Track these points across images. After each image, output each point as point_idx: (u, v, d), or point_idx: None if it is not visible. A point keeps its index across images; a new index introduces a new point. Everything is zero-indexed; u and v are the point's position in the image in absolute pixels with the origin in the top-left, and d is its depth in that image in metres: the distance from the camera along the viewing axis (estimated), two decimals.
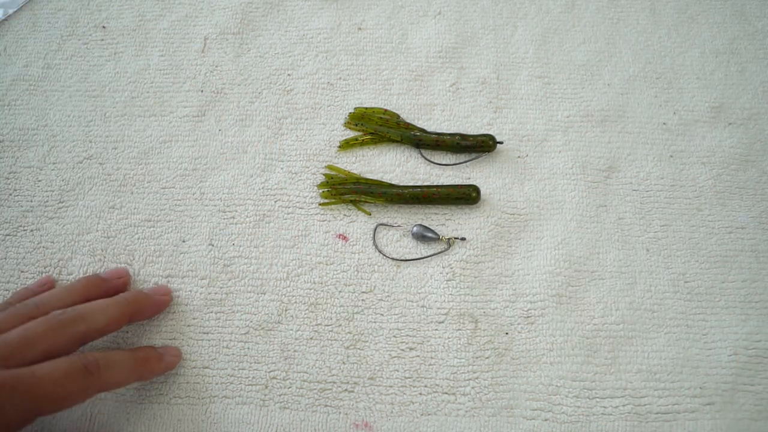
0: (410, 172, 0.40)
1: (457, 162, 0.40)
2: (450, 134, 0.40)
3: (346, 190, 0.38)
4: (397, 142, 0.40)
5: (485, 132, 0.41)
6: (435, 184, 0.39)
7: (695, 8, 0.47)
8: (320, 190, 0.39)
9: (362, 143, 0.40)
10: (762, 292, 0.36)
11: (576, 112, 0.42)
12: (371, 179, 0.39)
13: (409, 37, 0.46)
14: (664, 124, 0.42)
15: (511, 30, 0.46)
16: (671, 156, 0.41)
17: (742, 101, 0.43)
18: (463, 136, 0.40)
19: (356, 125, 0.41)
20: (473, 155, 0.40)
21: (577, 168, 0.40)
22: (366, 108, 0.42)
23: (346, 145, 0.40)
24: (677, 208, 0.39)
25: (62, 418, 0.32)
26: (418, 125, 0.42)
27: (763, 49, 0.45)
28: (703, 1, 0.48)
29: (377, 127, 0.40)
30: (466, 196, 0.37)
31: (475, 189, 0.38)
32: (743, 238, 0.38)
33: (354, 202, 0.38)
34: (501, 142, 0.40)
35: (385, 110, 0.41)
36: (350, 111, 0.42)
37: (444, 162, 0.40)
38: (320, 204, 0.38)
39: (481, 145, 0.40)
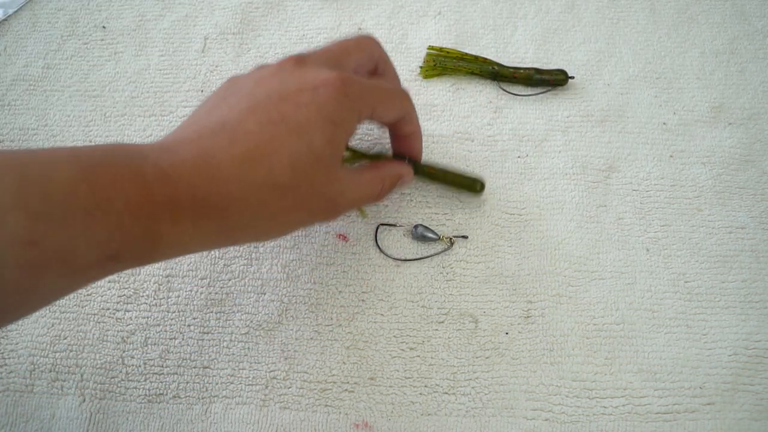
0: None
1: (533, 93, 0.43)
2: (525, 68, 0.43)
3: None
4: (476, 75, 0.43)
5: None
6: (442, 166, 0.38)
7: (695, 8, 0.47)
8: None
9: (444, 68, 0.43)
10: (762, 292, 0.36)
11: (576, 112, 0.42)
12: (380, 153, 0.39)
13: (409, 37, 0.46)
14: (664, 124, 0.42)
15: (511, 30, 0.46)
16: (671, 156, 0.41)
17: (742, 101, 0.43)
18: (538, 70, 0.43)
19: (434, 65, 0.43)
20: (547, 88, 0.43)
21: (577, 168, 0.40)
22: (439, 48, 0.44)
23: (431, 69, 0.43)
24: (677, 208, 0.39)
25: (60, 418, 0.32)
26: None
27: (763, 49, 0.45)
28: (703, 1, 0.48)
29: (457, 62, 0.43)
30: (470, 188, 0.38)
31: (480, 184, 0.38)
32: (743, 238, 0.38)
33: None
34: (573, 77, 0.43)
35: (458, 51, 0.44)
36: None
37: (520, 93, 0.43)
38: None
39: (554, 79, 0.43)
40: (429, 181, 0.39)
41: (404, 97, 0.33)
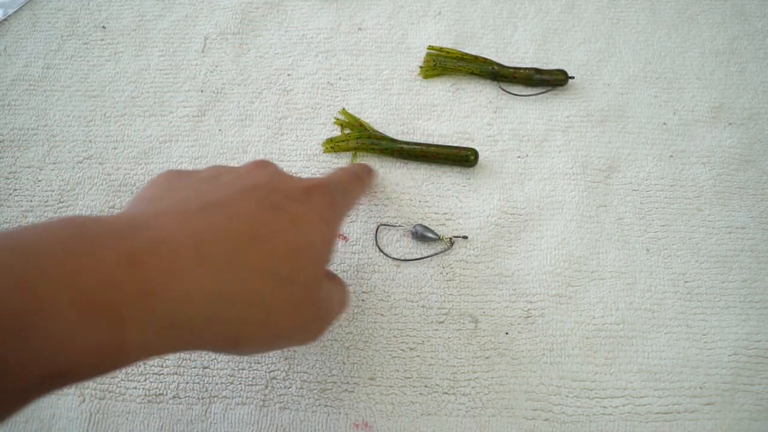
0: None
1: (533, 93, 0.43)
2: (525, 68, 0.43)
3: (349, 147, 0.40)
4: (476, 75, 0.43)
5: None
6: (435, 143, 0.40)
7: (695, 8, 0.47)
8: (324, 147, 0.41)
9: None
10: (762, 292, 0.36)
11: (576, 112, 0.42)
12: (375, 133, 0.40)
13: (409, 37, 0.46)
14: (664, 124, 0.42)
15: (511, 30, 0.46)
16: (671, 156, 0.41)
17: (742, 101, 0.43)
18: (538, 70, 0.43)
19: (434, 65, 0.43)
20: (547, 88, 0.43)
21: (577, 168, 0.40)
22: (439, 48, 0.44)
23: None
24: (677, 208, 0.39)
25: (60, 418, 0.32)
26: (418, 125, 0.42)
27: (763, 49, 0.45)
28: (703, 1, 0.48)
29: (457, 62, 0.43)
30: (464, 159, 0.39)
31: (474, 153, 0.39)
32: (743, 238, 0.38)
33: (354, 154, 0.40)
34: (573, 77, 0.43)
35: (458, 51, 0.44)
36: (427, 48, 0.45)
37: (520, 93, 0.43)
38: (324, 151, 0.41)
39: (554, 79, 0.42)
40: (421, 161, 0.40)
41: (359, 176, 0.33)
